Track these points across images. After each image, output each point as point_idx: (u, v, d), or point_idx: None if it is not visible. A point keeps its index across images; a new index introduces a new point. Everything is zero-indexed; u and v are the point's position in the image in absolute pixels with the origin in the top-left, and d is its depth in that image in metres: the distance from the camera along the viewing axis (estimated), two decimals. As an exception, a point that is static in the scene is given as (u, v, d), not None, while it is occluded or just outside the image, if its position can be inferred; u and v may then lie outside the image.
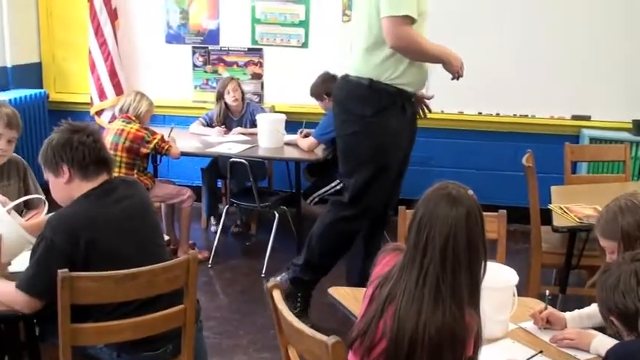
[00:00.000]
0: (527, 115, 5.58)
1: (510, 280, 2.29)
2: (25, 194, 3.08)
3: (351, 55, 3.64)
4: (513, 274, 2.32)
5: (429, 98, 3.84)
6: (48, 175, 2.49)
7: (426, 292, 1.77)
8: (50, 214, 2.45)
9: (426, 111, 3.90)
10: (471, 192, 1.85)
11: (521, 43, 5.44)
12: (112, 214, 2.40)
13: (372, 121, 3.53)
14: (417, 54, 3.44)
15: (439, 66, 3.53)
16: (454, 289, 1.77)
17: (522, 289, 2.72)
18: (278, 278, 3.69)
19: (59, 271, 2.15)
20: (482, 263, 1.84)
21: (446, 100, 5.44)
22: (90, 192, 2.42)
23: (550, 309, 2.36)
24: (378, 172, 3.60)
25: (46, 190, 2.73)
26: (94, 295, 2.24)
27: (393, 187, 3.81)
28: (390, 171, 3.65)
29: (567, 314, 2.34)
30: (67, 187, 2.44)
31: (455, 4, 5.33)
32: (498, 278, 2.25)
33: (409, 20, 3.32)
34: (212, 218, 5.44)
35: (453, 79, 3.58)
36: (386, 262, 1.95)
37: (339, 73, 3.89)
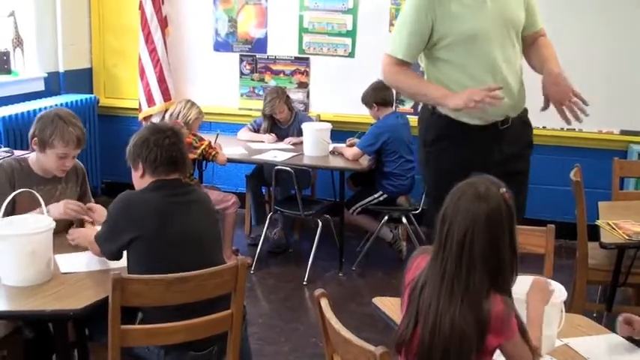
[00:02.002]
0: (574, 129, 5.50)
1: (559, 296, 2.26)
2: (81, 198, 3.17)
3: None
4: (562, 289, 2.29)
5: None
6: (130, 164, 2.72)
7: (443, 286, 1.80)
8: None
9: (576, 114, 3.06)
10: (503, 190, 1.84)
11: (569, 56, 5.38)
12: (165, 204, 2.56)
13: (430, 150, 3.26)
14: (403, 93, 3.33)
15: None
16: (468, 286, 1.78)
17: (567, 306, 2.68)
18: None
19: (111, 273, 2.21)
20: (508, 265, 1.83)
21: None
22: (156, 182, 2.61)
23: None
24: (435, 205, 3.31)
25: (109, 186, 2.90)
26: (144, 298, 2.29)
27: None
28: None
29: None
30: (141, 180, 2.65)
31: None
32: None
33: (395, 60, 3.14)
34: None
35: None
36: (417, 265, 1.97)
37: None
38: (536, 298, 2.05)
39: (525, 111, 3.30)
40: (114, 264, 2.63)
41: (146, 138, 2.63)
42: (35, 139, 2.97)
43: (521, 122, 3.27)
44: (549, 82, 3.08)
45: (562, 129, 5.50)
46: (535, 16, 3.24)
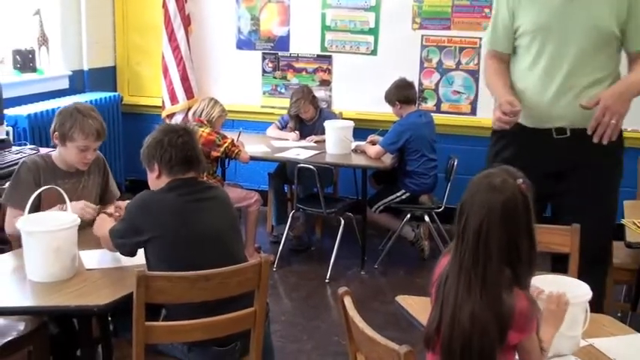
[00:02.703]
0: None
1: (584, 295, 2.24)
2: (103, 190, 3.22)
3: None
4: (587, 289, 2.27)
5: (588, 108, 2.87)
6: (145, 165, 2.74)
7: (462, 278, 1.80)
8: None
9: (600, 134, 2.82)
10: (520, 180, 1.83)
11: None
12: (182, 203, 2.56)
13: (490, 144, 3.23)
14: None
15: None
16: (485, 278, 1.78)
17: (592, 305, 2.66)
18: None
19: (136, 270, 2.23)
20: (525, 258, 1.81)
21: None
22: (173, 182, 2.63)
23: None
24: None
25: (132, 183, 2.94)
26: (167, 295, 2.30)
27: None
28: None
29: None
30: (158, 181, 2.66)
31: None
32: (571, 293, 2.21)
33: (488, 51, 3.24)
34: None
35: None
36: (444, 262, 1.96)
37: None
38: (549, 322, 2.03)
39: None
40: (137, 260, 2.64)
41: (160, 139, 2.64)
42: (56, 133, 3.01)
43: (588, 138, 2.88)
44: (606, 96, 2.84)
45: (585, 127, 5.44)
46: (638, 36, 2.98)
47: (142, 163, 2.73)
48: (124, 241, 2.58)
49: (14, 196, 2.96)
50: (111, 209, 2.94)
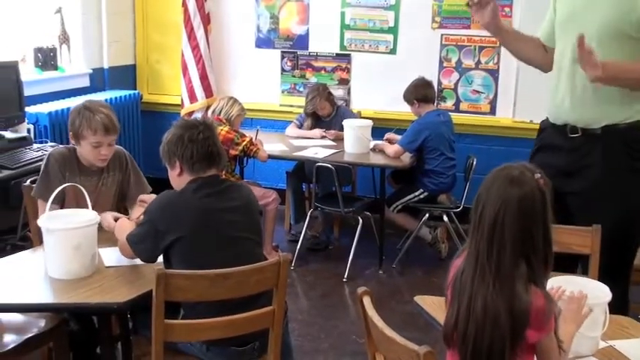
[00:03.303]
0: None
1: (604, 296, 2.22)
2: (122, 186, 3.21)
3: None
4: (606, 290, 2.26)
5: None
6: (166, 165, 2.70)
7: (477, 268, 1.81)
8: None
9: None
10: (538, 175, 1.82)
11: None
12: (205, 202, 2.55)
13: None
14: None
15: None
16: (499, 268, 1.78)
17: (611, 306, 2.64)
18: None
19: (156, 268, 2.24)
20: (541, 254, 1.81)
21: (535, 110, 5.34)
22: (194, 181, 2.60)
23: None
24: None
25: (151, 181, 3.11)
26: (187, 293, 2.31)
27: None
28: None
29: None
30: (179, 179, 2.63)
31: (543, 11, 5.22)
32: (591, 294, 2.19)
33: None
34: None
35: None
36: (456, 264, 1.96)
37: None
38: (569, 322, 2.01)
39: (611, 132, 2.82)
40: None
41: (180, 135, 2.61)
42: (70, 133, 3.05)
43: (598, 139, 2.83)
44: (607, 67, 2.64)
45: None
46: None
47: (162, 160, 2.70)
48: (144, 246, 2.53)
49: (44, 189, 2.97)
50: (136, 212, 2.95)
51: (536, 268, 1.81)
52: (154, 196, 2.72)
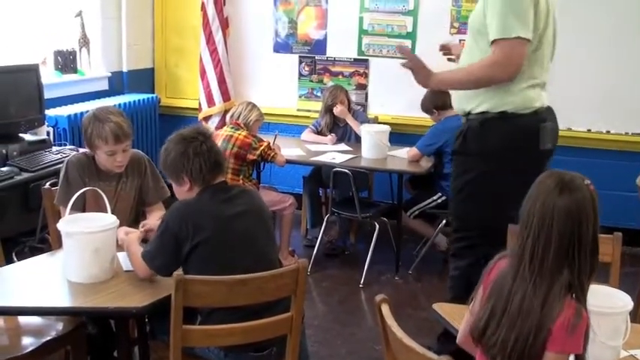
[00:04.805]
0: (638, 133, 5.36)
1: (626, 305, 2.20)
2: (141, 191, 3.20)
3: None
4: (628, 299, 2.23)
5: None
6: (171, 182, 2.69)
7: (521, 268, 1.81)
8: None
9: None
10: (588, 182, 1.83)
11: (635, 57, 5.25)
12: (220, 209, 2.55)
13: None
14: None
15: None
16: (542, 266, 1.77)
17: (632, 316, 2.61)
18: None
19: (175, 273, 2.24)
20: (589, 258, 1.80)
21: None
22: (206, 188, 2.60)
23: None
24: None
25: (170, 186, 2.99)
26: (205, 299, 2.31)
27: None
28: None
29: None
30: (189, 193, 2.62)
31: (567, 16, 5.19)
32: (613, 303, 2.17)
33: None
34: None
35: None
36: (498, 266, 1.95)
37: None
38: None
39: (476, 115, 3.23)
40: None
41: (183, 150, 2.58)
42: (85, 142, 3.07)
43: (472, 125, 3.26)
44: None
45: (626, 133, 5.37)
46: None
47: (167, 177, 2.68)
48: (162, 260, 2.49)
49: (66, 196, 2.96)
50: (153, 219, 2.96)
51: (579, 277, 1.80)
52: (158, 223, 2.67)
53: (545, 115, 3.23)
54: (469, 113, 3.27)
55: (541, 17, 3.09)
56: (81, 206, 2.91)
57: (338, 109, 5.31)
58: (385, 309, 1.96)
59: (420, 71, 3.28)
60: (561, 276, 1.78)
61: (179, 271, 2.28)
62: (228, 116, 5.03)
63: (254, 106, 4.88)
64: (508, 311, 1.79)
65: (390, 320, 1.92)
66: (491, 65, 3.08)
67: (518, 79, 3.11)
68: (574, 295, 1.79)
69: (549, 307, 1.76)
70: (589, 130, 5.42)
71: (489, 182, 3.20)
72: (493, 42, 3.05)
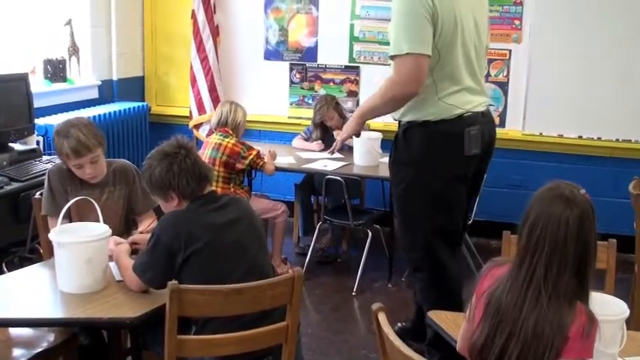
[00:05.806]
0: (630, 140, 5.38)
1: (623, 312, 2.19)
2: (130, 200, 3.18)
3: None
4: (625, 306, 2.23)
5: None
6: (156, 199, 2.69)
7: (530, 291, 1.78)
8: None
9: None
10: (583, 191, 1.83)
11: (625, 64, 5.27)
12: (211, 218, 2.54)
13: None
14: None
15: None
16: (556, 287, 1.76)
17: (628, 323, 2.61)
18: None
19: (169, 282, 2.21)
20: (592, 265, 1.82)
21: (544, 122, 5.34)
22: (195, 199, 2.59)
23: None
24: None
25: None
26: (201, 308, 2.29)
27: None
28: None
29: None
30: (178, 207, 2.61)
31: (554, 24, 5.22)
32: (610, 310, 2.16)
33: None
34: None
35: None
36: (491, 275, 1.93)
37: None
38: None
39: (403, 124, 3.29)
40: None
41: (166, 167, 2.55)
42: None
43: (399, 133, 3.34)
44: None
45: (617, 140, 5.39)
46: None
47: (153, 195, 2.67)
48: (154, 273, 2.47)
49: (51, 206, 3.00)
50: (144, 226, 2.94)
51: (586, 285, 1.81)
52: (146, 236, 2.65)
53: (473, 120, 3.18)
54: (399, 122, 3.32)
55: (445, 29, 3.05)
56: (67, 215, 2.88)
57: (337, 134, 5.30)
58: (382, 317, 1.95)
59: (347, 128, 3.50)
60: (573, 290, 1.78)
61: (174, 281, 2.25)
62: (213, 121, 4.91)
63: (237, 105, 4.82)
64: (519, 335, 1.76)
65: (387, 328, 1.90)
66: (392, 85, 3.12)
67: (431, 91, 3.11)
68: (581, 300, 1.80)
69: (564, 321, 1.75)
70: (580, 137, 5.43)
71: (422, 189, 3.23)
72: (391, 58, 3.09)
